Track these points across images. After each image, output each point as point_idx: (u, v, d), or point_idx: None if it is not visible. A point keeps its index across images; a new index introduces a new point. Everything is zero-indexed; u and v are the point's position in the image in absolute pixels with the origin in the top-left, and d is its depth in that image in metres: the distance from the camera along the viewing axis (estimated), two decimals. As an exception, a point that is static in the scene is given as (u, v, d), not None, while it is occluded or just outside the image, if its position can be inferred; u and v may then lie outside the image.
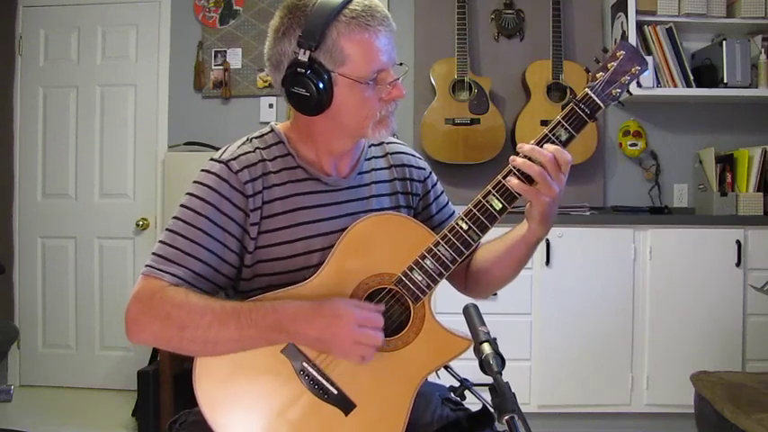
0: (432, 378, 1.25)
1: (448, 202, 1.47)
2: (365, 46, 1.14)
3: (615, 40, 3.33)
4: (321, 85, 1.14)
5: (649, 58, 3.11)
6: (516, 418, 0.90)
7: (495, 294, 2.76)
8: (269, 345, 1.13)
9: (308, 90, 1.15)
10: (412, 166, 1.40)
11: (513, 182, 1.14)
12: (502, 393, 0.94)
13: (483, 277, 1.37)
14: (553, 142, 1.15)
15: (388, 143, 1.40)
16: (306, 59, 1.13)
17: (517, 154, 1.16)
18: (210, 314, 1.10)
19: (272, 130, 1.28)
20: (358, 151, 1.32)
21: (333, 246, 1.20)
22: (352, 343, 1.11)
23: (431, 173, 1.44)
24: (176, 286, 1.13)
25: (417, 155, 1.44)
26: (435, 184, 1.45)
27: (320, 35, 1.12)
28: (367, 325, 1.12)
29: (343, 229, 1.21)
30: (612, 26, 3.38)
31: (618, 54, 1.17)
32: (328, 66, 1.14)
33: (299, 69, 1.14)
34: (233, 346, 1.12)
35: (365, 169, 1.33)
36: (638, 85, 3.04)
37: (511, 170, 1.16)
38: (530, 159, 1.13)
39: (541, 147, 1.14)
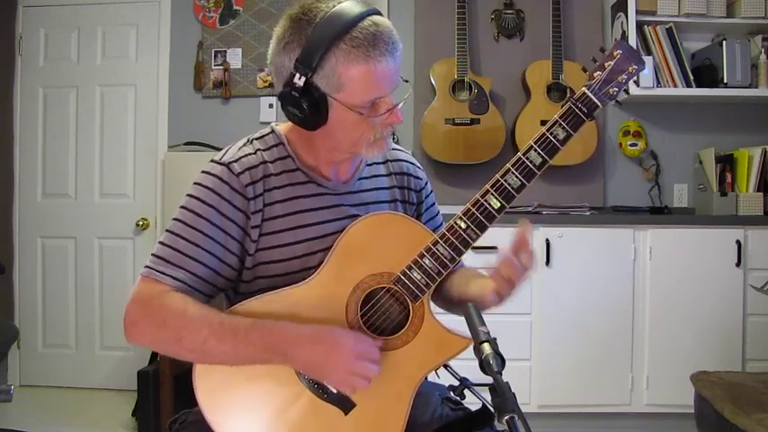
0: (431, 377, 1.25)
1: (437, 213, 1.47)
2: (364, 76, 1.11)
3: (615, 39, 3.32)
4: (315, 109, 1.13)
5: (649, 58, 3.12)
6: (516, 418, 0.90)
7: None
8: (265, 363, 1.13)
9: (301, 112, 1.14)
10: (411, 174, 1.40)
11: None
12: (502, 393, 0.94)
13: (451, 306, 1.37)
14: (551, 141, 1.16)
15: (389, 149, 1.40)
16: (301, 84, 1.11)
17: (517, 151, 1.17)
18: (208, 328, 1.10)
19: (272, 131, 1.28)
20: (359, 157, 1.32)
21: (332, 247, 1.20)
22: (348, 373, 1.11)
23: (427, 183, 1.45)
24: (176, 291, 1.13)
25: (417, 163, 1.45)
26: (429, 194, 1.45)
27: (318, 60, 1.10)
28: (364, 358, 1.11)
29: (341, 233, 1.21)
30: (612, 26, 3.38)
31: (615, 53, 1.18)
32: (324, 89, 1.13)
33: (293, 92, 1.12)
34: (229, 360, 1.12)
35: (366, 175, 1.33)
36: (637, 84, 3.05)
37: (509, 170, 1.17)
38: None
39: (543, 144, 1.15)
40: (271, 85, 3.50)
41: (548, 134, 1.16)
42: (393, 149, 1.41)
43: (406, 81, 1.22)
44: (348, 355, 1.10)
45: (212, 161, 1.22)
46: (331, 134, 1.19)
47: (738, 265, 2.85)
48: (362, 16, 1.11)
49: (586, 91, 1.17)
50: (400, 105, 1.18)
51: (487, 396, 0.99)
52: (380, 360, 1.15)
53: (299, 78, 1.11)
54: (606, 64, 1.18)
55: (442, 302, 1.38)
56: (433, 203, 1.46)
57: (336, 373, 1.11)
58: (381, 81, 1.13)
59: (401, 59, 1.17)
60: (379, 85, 1.13)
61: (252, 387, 1.15)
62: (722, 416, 1.98)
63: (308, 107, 1.13)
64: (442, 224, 1.45)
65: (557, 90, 3.25)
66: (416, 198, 1.41)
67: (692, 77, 3.19)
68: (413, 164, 1.43)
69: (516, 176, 1.17)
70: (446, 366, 1.22)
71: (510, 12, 3.42)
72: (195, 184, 1.20)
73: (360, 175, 1.31)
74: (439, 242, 1.17)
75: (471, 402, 1.23)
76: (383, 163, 1.38)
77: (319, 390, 1.15)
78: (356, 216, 1.25)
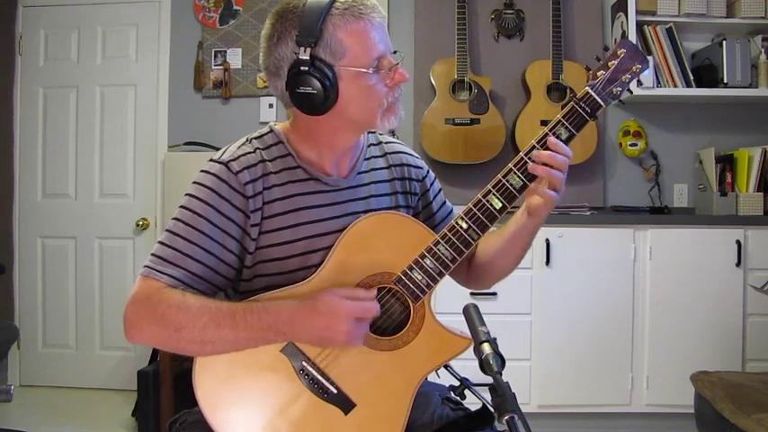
0: (432, 377, 1.25)
1: (446, 201, 1.47)
2: (362, 35, 1.15)
3: (615, 39, 3.33)
4: (327, 81, 1.14)
5: (649, 58, 3.11)
6: (516, 418, 0.90)
7: (495, 294, 2.79)
8: (265, 344, 1.13)
9: (314, 87, 1.14)
10: (410, 165, 1.41)
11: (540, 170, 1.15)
12: (502, 393, 0.94)
13: (487, 270, 1.38)
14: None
15: (386, 143, 1.40)
16: (307, 57, 1.13)
17: (517, 151, 1.17)
18: (207, 315, 1.10)
19: (271, 131, 1.28)
20: (358, 151, 1.32)
21: (333, 246, 1.20)
22: (353, 336, 1.11)
23: (428, 171, 1.45)
24: (173, 287, 1.13)
25: (415, 154, 1.45)
26: (433, 182, 1.45)
27: (318, 31, 1.13)
28: (363, 315, 1.12)
29: (343, 230, 1.21)
30: (612, 26, 3.38)
31: (619, 52, 1.17)
32: (330, 61, 1.15)
33: (302, 68, 1.14)
34: (229, 346, 1.12)
35: (364, 169, 1.33)
36: (639, 84, 3.04)
37: (511, 170, 1.17)
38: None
39: (545, 143, 1.15)
40: (271, 85, 3.49)
41: (551, 134, 1.16)
42: (390, 142, 1.41)
43: (395, 52, 1.23)
44: (345, 320, 1.10)
45: (211, 160, 1.22)
46: (342, 114, 1.19)
47: (738, 265, 2.85)
48: None
49: (590, 90, 1.16)
50: (400, 63, 1.20)
51: (487, 396, 0.99)
52: (382, 359, 1.15)
53: (305, 51, 1.13)
54: (610, 63, 1.17)
55: (487, 276, 1.40)
56: (440, 189, 1.46)
57: (342, 340, 1.11)
58: (379, 37, 1.17)
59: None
60: (378, 42, 1.17)
61: (252, 387, 1.15)
62: (722, 416, 1.98)
63: (320, 80, 1.14)
64: (452, 210, 1.46)
65: (557, 90, 3.25)
66: (420, 188, 1.41)
67: (691, 77, 3.19)
68: (411, 154, 1.43)
69: (518, 176, 1.16)
70: (446, 366, 1.22)
71: (510, 12, 3.42)
72: (194, 183, 1.20)
73: (359, 170, 1.31)
74: (440, 242, 1.17)
75: (471, 402, 1.23)
76: (382, 156, 1.38)
77: (319, 389, 1.15)
78: (357, 213, 1.25)
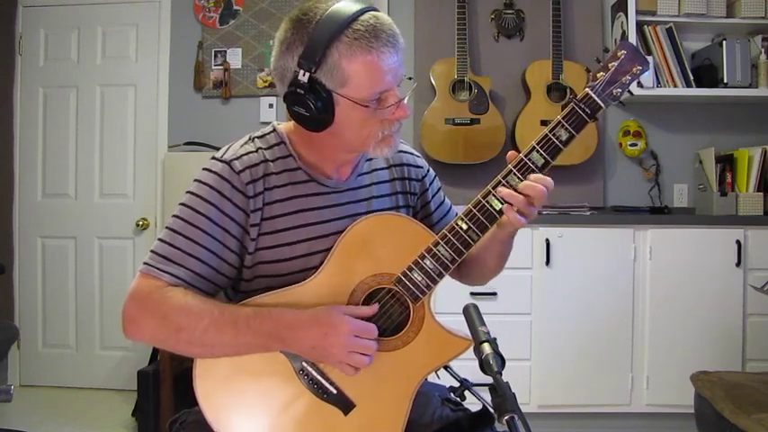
0: (432, 378, 1.25)
1: (445, 199, 1.47)
2: (368, 68, 1.11)
3: (615, 40, 3.33)
4: (321, 106, 1.12)
5: (649, 58, 3.11)
6: (516, 418, 0.90)
7: (495, 294, 2.79)
8: (265, 351, 1.13)
9: (308, 110, 1.13)
10: (410, 164, 1.40)
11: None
12: (502, 393, 0.94)
13: (473, 270, 1.39)
14: (554, 142, 1.16)
15: None
16: (305, 80, 1.11)
17: (517, 151, 1.18)
18: (208, 318, 1.10)
19: (274, 130, 1.28)
20: (366, 155, 1.32)
21: (333, 247, 1.20)
22: (347, 352, 1.11)
23: (429, 170, 1.44)
24: (175, 286, 1.13)
25: (416, 153, 1.45)
26: (433, 181, 1.45)
27: (321, 56, 1.10)
28: (362, 335, 1.11)
29: (343, 231, 1.20)
30: (612, 26, 3.38)
31: (619, 54, 1.17)
32: (329, 86, 1.12)
33: (298, 90, 1.12)
34: (229, 350, 1.12)
35: (365, 170, 1.33)
36: (639, 84, 3.04)
37: (511, 171, 1.17)
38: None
39: (545, 144, 1.15)
40: (270, 85, 3.50)
41: (550, 135, 1.16)
42: None
43: (410, 78, 1.21)
44: (345, 334, 1.10)
45: (213, 158, 1.21)
46: (338, 134, 1.18)
47: (738, 265, 2.85)
48: (362, 11, 1.12)
49: (590, 92, 1.16)
50: (406, 99, 1.18)
51: (488, 397, 0.99)
52: (381, 359, 1.15)
53: (303, 75, 1.11)
54: (610, 65, 1.17)
55: (474, 275, 1.40)
56: (440, 188, 1.46)
57: (336, 353, 1.11)
58: (385, 73, 1.12)
59: (403, 56, 1.16)
60: (384, 78, 1.13)
61: (252, 387, 1.15)
62: (722, 416, 1.98)
63: (314, 105, 1.12)
64: (451, 208, 1.45)
65: (557, 90, 3.25)
66: (419, 187, 1.41)
67: (691, 77, 3.19)
68: (411, 153, 1.43)
69: (518, 178, 1.16)
70: (446, 367, 1.22)
71: (510, 12, 3.42)
72: (196, 180, 1.19)
73: (359, 171, 1.31)
74: (440, 243, 1.17)
75: (471, 403, 1.23)
76: None
77: (319, 390, 1.15)
78: (357, 214, 1.25)
